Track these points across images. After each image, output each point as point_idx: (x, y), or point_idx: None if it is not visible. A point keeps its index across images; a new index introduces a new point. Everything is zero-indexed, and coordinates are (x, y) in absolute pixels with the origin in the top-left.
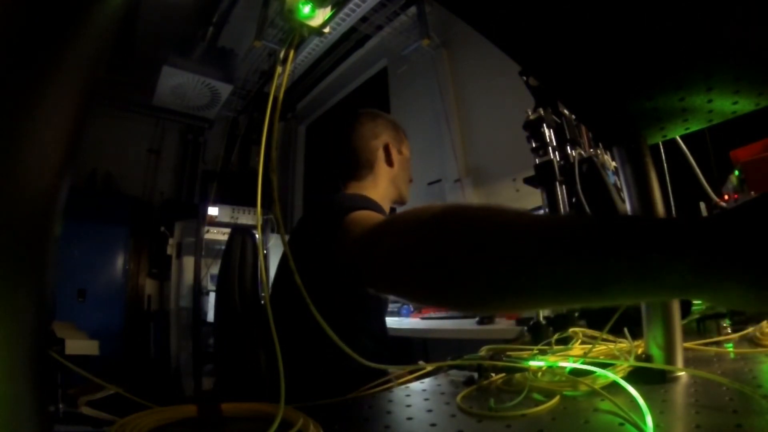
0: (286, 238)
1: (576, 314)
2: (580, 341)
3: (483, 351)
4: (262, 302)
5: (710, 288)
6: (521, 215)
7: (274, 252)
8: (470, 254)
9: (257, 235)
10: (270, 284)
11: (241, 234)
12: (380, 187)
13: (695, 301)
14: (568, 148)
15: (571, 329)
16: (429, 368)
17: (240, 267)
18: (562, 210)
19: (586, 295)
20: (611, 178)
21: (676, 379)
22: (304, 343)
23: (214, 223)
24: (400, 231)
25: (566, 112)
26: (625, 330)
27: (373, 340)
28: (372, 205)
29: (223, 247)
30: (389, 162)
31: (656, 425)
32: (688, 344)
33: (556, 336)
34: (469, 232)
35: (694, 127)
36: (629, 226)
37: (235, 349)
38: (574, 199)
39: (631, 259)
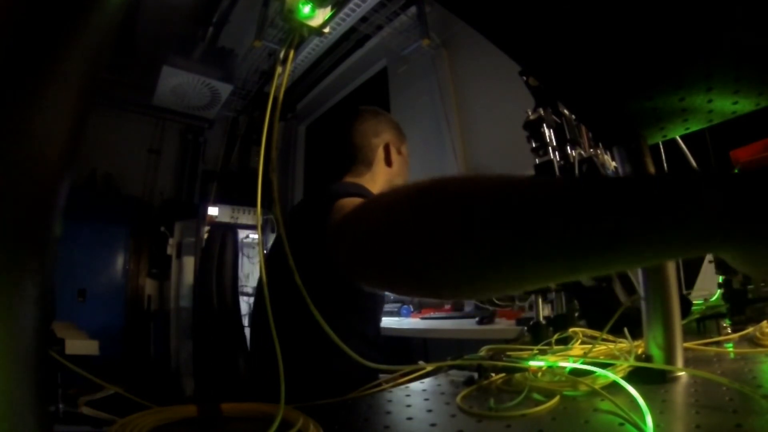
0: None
1: (576, 314)
2: (580, 341)
3: (483, 351)
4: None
5: (735, 239)
6: (518, 176)
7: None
8: (461, 221)
9: (257, 234)
10: (260, 282)
11: (220, 231)
12: (377, 185)
13: (695, 301)
14: (568, 148)
15: (571, 329)
16: (429, 368)
17: (219, 266)
18: None
19: (595, 259)
20: None
21: (676, 379)
22: (293, 343)
23: (214, 223)
24: (377, 210)
25: (566, 112)
26: (625, 330)
27: (366, 342)
28: (364, 193)
29: None
30: (388, 162)
31: (656, 425)
32: (688, 344)
33: (556, 336)
34: (458, 197)
35: (694, 127)
36: (640, 179)
37: (213, 349)
38: None
39: (648, 208)
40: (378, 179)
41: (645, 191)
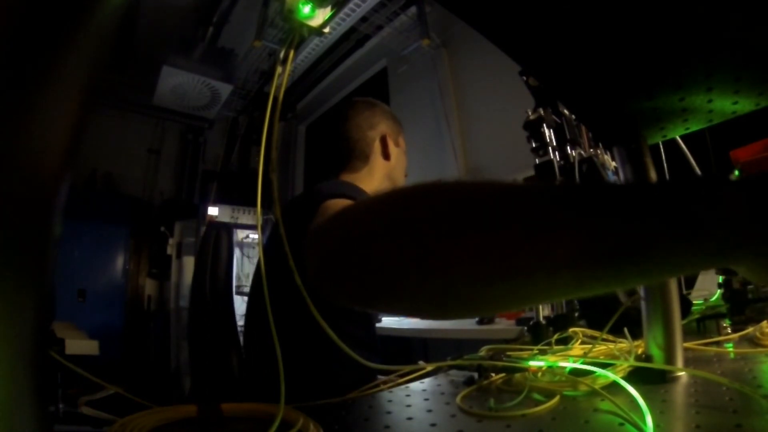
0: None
1: (576, 314)
2: (580, 341)
3: (483, 351)
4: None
5: (760, 248)
6: (516, 182)
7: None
8: (451, 230)
9: (257, 234)
10: (254, 282)
11: (215, 229)
12: (375, 180)
13: (695, 301)
14: (568, 148)
15: (571, 329)
16: (429, 368)
17: (213, 264)
18: None
19: (604, 275)
20: (611, 178)
21: (676, 379)
22: (289, 343)
23: (212, 222)
24: (355, 216)
25: (566, 112)
26: (625, 330)
27: (359, 345)
28: (354, 193)
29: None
30: (386, 155)
31: (656, 425)
32: (688, 344)
33: (556, 336)
34: (449, 203)
35: (694, 127)
36: (659, 184)
37: (207, 347)
38: None
39: (670, 216)
40: (375, 174)
41: (659, 199)
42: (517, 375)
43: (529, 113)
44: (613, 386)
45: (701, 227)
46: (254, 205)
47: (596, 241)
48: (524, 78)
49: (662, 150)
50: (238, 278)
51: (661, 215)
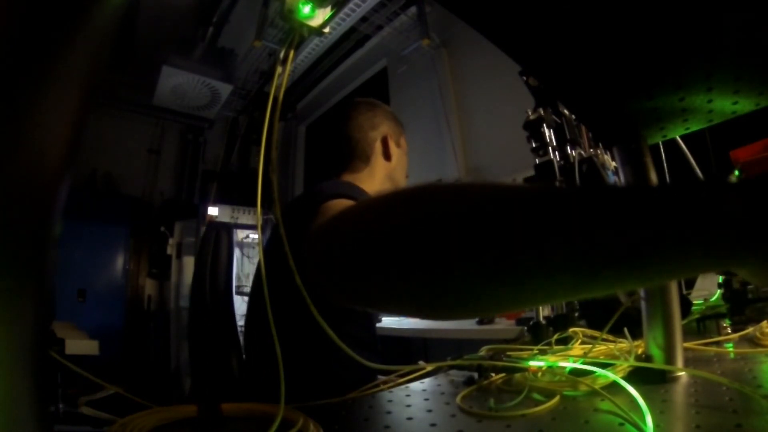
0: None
1: (576, 314)
2: (580, 341)
3: (483, 351)
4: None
5: (759, 252)
6: (516, 184)
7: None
8: (450, 233)
9: (257, 234)
10: (254, 283)
11: (215, 229)
12: (376, 181)
13: (695, 301)
14: (568, 148)
15: (571, 329)
16: (429, 368)
17: (213, 265)
18: None
19: (604, 279)
20: (611, 178)
21: (676, 379)
22: (289, 343)
23: (212, 222)
24: (355, 217)
25: (566, 112)
26: (625, 330)
27: (360, 346)
28: (355, 193)
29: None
30: (387, 156)
31: (656, 425)
32: (688, 344)
33: (556, 336)
34: (450, 204)
35: (694, 127)
36: (659, 187)
37: (207, 348)
38: None
39: (670, 219)
40: (377, 175)
41: (659, 202)
42: (517, 375)
43: (529, 113)
44: (613, 386)
45: (702, 231)
46: (254, 205)
47: (596, 245)
48: (524, 78)
49: (662, 150)
50: (238, 278)
51: (661, 219)
